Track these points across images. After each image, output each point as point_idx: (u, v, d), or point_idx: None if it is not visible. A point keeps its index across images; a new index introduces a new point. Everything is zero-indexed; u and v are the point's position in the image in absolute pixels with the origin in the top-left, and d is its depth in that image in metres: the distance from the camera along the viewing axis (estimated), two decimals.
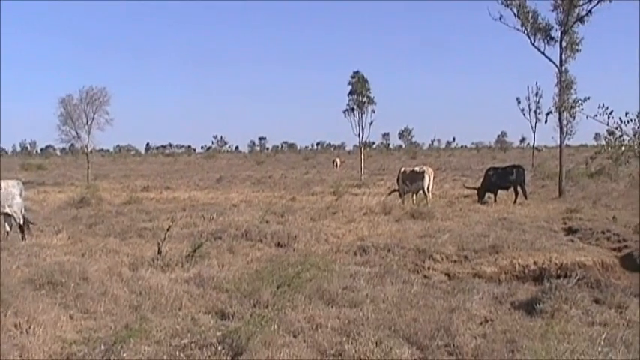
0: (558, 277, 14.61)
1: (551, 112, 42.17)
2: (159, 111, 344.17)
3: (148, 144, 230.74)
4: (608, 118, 14.13)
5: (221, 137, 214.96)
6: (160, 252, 15.92)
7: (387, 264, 16.00)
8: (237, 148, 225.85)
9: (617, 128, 14.21)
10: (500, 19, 35.01)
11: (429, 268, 16.31)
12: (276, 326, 10.29)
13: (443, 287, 14.05)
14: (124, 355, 9.14)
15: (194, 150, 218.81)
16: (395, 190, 31.06)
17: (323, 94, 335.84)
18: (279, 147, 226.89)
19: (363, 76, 53.86)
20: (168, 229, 17.25)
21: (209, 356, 9.24)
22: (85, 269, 13.89)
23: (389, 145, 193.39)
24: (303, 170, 70.30)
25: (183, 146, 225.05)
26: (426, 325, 10.58)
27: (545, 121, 63.05)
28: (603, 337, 9.80)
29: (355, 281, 13.87)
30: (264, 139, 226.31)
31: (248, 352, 9.25)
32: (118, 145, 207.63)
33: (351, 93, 54.02)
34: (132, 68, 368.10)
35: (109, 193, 36.85)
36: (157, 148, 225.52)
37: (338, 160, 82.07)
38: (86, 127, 51.57)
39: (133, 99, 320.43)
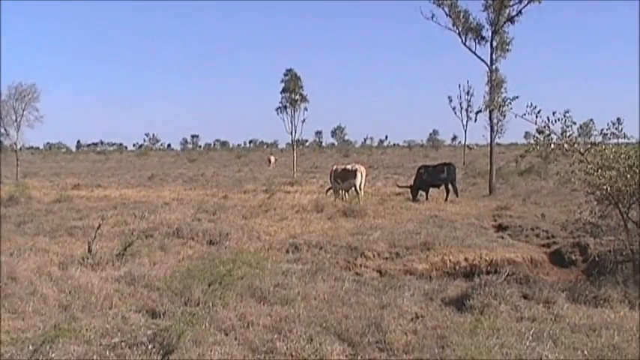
0: (488, 273, 14.81)
1: (481, 110, 42.79)
2: (90, 108, 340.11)
3: (79, 141, 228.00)
4: (536, 117, 14.42)
5: (153, 135, 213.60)
6: (90, 250, 15.76)
7: (319, 261, 16.02)
8: (169, 145, 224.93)
9: (545, 127, 14.50)
10: (432, 18, 35.42)
11: (360, 266, 16.39)
12: (207, 324, 10.28)
13: (374, 284, 14.09)
14: (53, 355, 9.02)
15: (126, 147, 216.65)
16: (331, 188, 31.16)
17: (256, 92, 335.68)
18: (212, 145, 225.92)
19: (296, 74, 53.95)
20: (98, 228, 17.10)
21: (139, 355, 9.17)
22: (14, 269, 13.72)
23: (322, 142, 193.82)
24: (235, 168, 70.11)
25: (114, 144, 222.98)
26: (357, 322, 10.64)
27: (475, 120, 63.98)
28: (531, 332, 9.98)
29: (287, 279, 13.88)
30: (197, 136, 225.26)
31: (179, 351, 9.21)
32: (48, 143, 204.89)
33: (283, 91, 54.02)
34: (62, 64, 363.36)
35: (39, 191, 36.17)
36: (89, 145, 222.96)
37: (272, 158, 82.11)
38: (15, 123, 50.86)
39: (64, 96, 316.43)
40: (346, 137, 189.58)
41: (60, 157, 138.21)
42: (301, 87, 54.04)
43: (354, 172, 29.38)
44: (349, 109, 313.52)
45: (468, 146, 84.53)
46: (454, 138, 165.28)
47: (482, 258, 16.88)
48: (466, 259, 16.83)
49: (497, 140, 37.84)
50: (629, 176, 13.56)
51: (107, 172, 63.91)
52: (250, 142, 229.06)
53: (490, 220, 23.62)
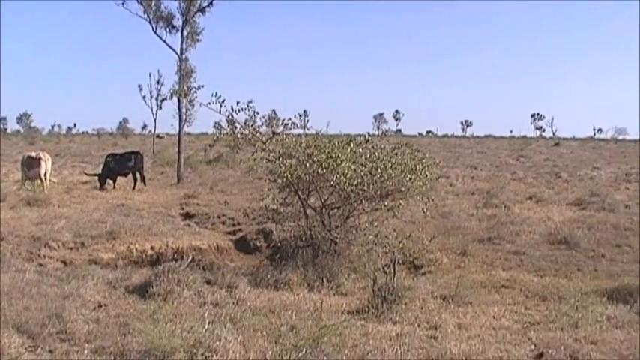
0: (175, 260, 14.95)
1: (166, 98, 43.06)
2: None
3: None
4: (221, 106, 14.79)
5: None
6: None
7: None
8: None
9: (229, 116, 14.93)
10: (122, 4, 34.94)
11: (44, 256, 16.00)
12: None
13: (58, 274, 13.80)
14: None
15: None
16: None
17: None
18: None
19: None
20: None
21: None
22: None
23: (6, 129, 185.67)
24: None
25: None
26: (37, 313, 10.40)
27: (160, 107, 64.24)
28: (212, 315, 10.26)
29: None
30: None
31: None
32: None
33: None
34: None
35: None
36: None
37: None
38: None
39: None
40: (33, 124, 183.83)
41: None
42: None
43: (38, 161, 28.51)
44: (36, 95, 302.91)
45: (157, 135, 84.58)
46: (144, 127, 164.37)
47: (169, 246, 17.10)
48: (152, 248, 16.97)
49: (186, 129, 38.43)
50: (307, 165, 14.24)
51: None
52: None
53: (177, 208, 23.92)
